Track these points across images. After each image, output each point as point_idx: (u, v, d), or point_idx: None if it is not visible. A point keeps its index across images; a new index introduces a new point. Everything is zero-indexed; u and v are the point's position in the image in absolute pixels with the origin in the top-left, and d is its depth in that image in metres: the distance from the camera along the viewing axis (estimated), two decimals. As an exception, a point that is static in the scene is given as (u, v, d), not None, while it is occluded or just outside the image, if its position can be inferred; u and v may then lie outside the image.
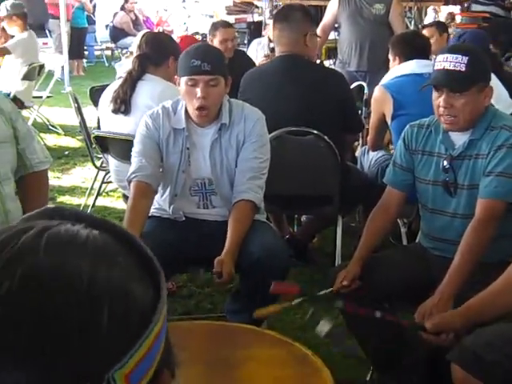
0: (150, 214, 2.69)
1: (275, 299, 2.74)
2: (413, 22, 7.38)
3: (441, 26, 5.36)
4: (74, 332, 0.54)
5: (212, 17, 12.29)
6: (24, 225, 0.61)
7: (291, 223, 4.09)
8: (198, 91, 2.54)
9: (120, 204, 4.52)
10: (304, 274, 3.55)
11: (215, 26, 5.08)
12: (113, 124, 3.51)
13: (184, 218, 2.76)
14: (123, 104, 3.36)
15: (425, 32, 4.97)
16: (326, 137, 3.20)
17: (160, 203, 2.78)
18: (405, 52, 3.64)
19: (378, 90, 3.53)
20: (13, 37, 6.39)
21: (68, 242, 0.59)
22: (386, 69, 5.46)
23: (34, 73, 6.34)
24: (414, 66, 3.50)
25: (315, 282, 3.30)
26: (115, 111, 3.40)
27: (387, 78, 3.70)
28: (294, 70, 3.38)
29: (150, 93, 3.32)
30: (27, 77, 6.22)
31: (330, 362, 1.89)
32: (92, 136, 3.77)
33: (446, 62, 2.26)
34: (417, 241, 2.77)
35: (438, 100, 2.28)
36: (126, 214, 2.59)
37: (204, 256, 2.59)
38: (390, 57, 3.79)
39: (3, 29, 6.46)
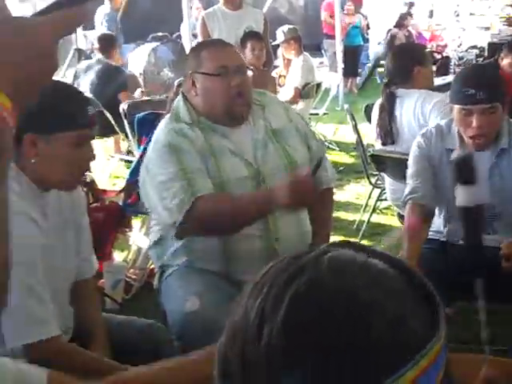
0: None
1: None
2: None
3: None
4: (347, 342, 0.59)
5: (488, 29, 11.72)
6: (310, 248, 0.70)
7: None
8: (474, 121, 2.40)
9: (394, 222, 4.49)
10: None
11: None
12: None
13: (460, 242, 2.65)
14: (388, 137, 3.45)
15: None
16: None
17: (437, 224, 2.69)
18: None
19: None
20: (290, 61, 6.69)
21: (346, 263, 0.66)
22: None
23: (311, 91, 6.62)
24: None
25: None
26: (384, 145, 3.51)
27: None
28: None
29: (406, 107, 3.34)
30: (305, 95, 6.50)
31: None
32: (368, 154, 3.82)
33: None
34: None
35: None
36: (405, 241, 2.49)
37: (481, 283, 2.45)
38: None
39: (283, 56, 6.80)
